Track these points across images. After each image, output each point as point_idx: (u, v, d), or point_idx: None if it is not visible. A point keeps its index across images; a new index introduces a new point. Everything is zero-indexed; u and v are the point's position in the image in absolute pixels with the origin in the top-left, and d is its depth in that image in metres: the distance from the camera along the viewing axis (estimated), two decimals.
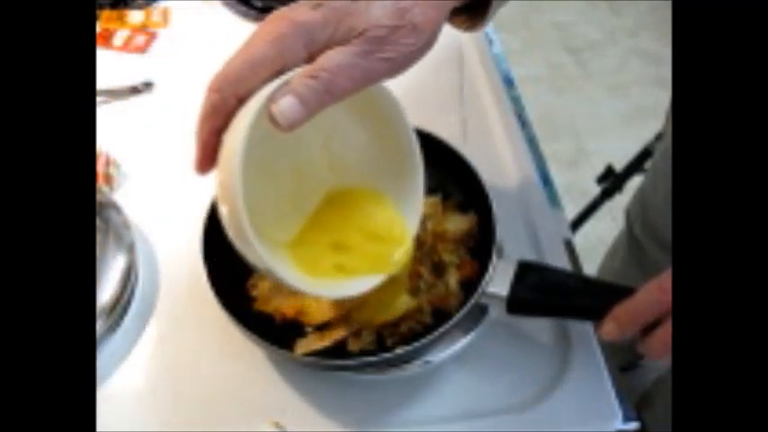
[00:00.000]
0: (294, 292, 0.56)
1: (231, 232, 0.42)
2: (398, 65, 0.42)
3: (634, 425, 0.53)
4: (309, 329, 0.55)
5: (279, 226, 0.48)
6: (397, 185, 0.50)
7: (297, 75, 0.40)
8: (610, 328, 0.47)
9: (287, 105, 0.39)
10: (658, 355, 0.45)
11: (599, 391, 0.54)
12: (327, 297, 0.50)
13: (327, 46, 0.40)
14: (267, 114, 0.39)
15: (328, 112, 0.41)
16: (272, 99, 0.39)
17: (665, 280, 0.44)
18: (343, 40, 0.40)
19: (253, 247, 0.40)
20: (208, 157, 0.42)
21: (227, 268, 0.55)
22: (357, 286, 0.48)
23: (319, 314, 0.55)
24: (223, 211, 0.41)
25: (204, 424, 0.54)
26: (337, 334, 0.54)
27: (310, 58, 0.40)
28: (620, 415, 0.53)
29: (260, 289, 0.57)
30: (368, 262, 0.49)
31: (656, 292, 0.45)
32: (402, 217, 0.50)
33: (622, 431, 0.53)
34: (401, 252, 0.49)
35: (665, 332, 0.44)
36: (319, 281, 0.47)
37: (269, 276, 0.44)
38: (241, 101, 0.40)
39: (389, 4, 0.41)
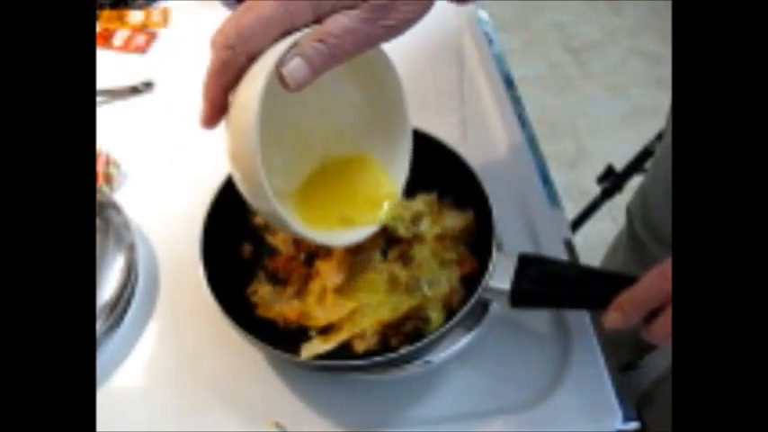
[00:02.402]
0: (293, 297, 0.56)
1: (243, 183, 0.44)
2: (398, 31, 0.44)
3: (634, 425, 0.53)
4: (313, 333, 0.55)
5: (281, 177, 0.51)
6: (386, 144, 0.53)
7: (305, 37, 0.42)
8: (614, 316, 0.47)
9: (295, 67, 0.41)
10: (662, 341, 0.46)
11: (599, 391, 0.54)
12: (326, 244, 0.52)
13: (333, 9, 0.42)
14: (276, 75, 0.41)
15: (329, 74, 0.43)
16: (281, 61, 0.41)
17: (666, 268, 0.45)
18: (348, 4, 0.42)
19: (269, 199, 0.43)
20: (216, 112, 0.44)
21: (227, 273, 0.55)
22: (352, 236, 0.51)
23: (322, 317, 0.55)
24: (234, 162, 0.44)
25: (204, 424, 0.54)
26: (341, 336, 0.54)
27: (317, 20, 0.42)
28: (620, 415, 0.53)
29: (260, 295, 0.57)
30: (362, 216, 0.53)
31: (659, 279, 0.45)
32: (389, 175, 0.53)
33: (622, 431, 0.53)
34: (389, 206, 0.53)
35: (667, 319, 0.44)
36: (316, 231, 0.50)
37: (277, 224, 0.46)
38: (251, 59, 0.42)
39: None
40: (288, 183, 0.52)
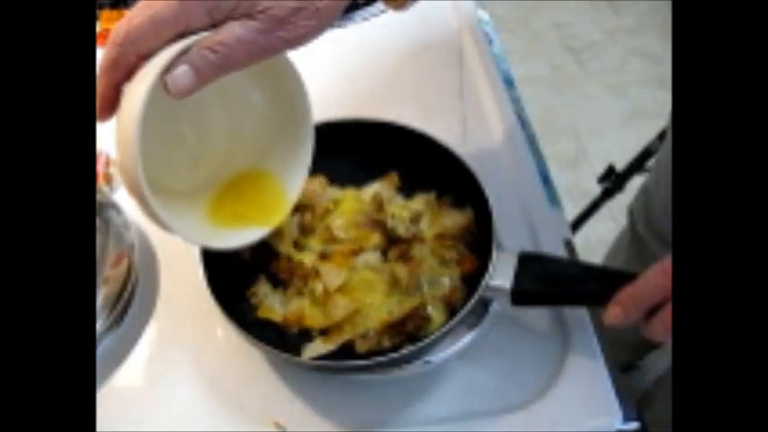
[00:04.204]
0: (294, 298, 0.56)
1: (125, 182, 0.44)
2: (295, 44, 0.43)
3: (634, 425, 0.53)
4: (314, 333, 0.55)
5: (174, 176, 0.51)
6: (286, 151, 0.53)
7: (196, 45, 0.41)
8: (615, 312, 0.47)
9: (180, 74, 0.40)
10: (662, 337, 0.46)
11: (599, 391, 0.54)
12: (209, 247, 0.52)
13: (230, 16, 0.41)
14: (161, 81, 0.40)
15: (234, 76, 0.43)
16: (168, 67, 0.40)
17: (667, 264, 0.45)
18: (246, 12, 0.41)
19: (145, 198, 0.42)
20: (106, 108, 0.43)
21: (227, 274, 0.55)
22: (238, 240, 0.51)
23: (323, 318, 0.55)
24: (118, 160, 0.43)
25: (204, 424, 0.54)
26: (343, 337, 0.54)
27: (213, 24, 0.41)
28: (620, 415, 0.53)
29: (261, 296, 0.57)
30: (251, 221, 0.53)
31: (659, 275, 0.45)
32: (285, 184, 0.53)
33: (622, 431, 0.53)
34: (279, 215, 0.53)
35: (667, 314, 0.44)
36: (203, 234, 0.50)
37: (157, 221, 0.45)
38: (142, 58, 0.41)
39: None
40: (191, 179, 0.52)
